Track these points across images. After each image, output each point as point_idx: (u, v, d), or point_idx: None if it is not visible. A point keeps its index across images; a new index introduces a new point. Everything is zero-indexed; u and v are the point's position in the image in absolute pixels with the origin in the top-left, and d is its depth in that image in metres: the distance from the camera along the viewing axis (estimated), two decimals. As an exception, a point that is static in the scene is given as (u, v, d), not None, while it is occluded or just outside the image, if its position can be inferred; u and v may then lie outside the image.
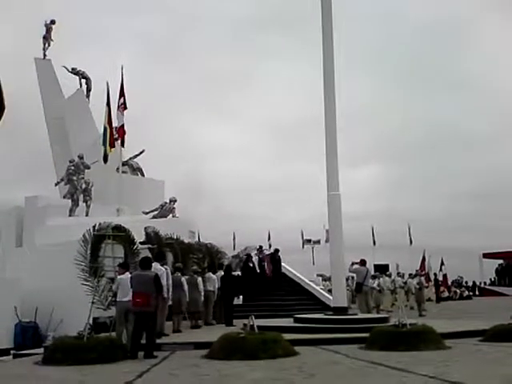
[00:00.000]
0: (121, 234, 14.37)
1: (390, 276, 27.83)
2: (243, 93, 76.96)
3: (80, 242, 13.91)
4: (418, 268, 34.26)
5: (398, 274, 29.46)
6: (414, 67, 76.07)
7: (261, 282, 18.96)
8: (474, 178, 70.19)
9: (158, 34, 72.93)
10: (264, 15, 78.35)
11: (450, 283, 42.58)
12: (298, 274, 22.96)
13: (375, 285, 25.94)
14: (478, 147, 72.83)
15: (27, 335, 15.76)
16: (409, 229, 43.97)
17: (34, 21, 32.58)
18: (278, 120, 76.94)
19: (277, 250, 20.65)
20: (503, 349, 9.71)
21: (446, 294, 38.75)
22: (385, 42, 77.49)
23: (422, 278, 25.26)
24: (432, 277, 36.84)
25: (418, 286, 23.39)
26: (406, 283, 26.80)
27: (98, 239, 14.06)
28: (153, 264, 11.12)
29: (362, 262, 18.57)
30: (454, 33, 74.72)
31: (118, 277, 11.60)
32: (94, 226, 14.19)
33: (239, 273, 21.99)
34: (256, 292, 18.30)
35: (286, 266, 24.14)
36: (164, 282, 12.03)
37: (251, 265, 19.32)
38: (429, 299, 25.19)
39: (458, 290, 42.79)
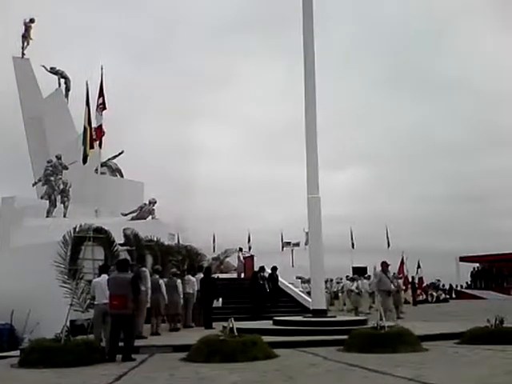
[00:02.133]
0: (101, 236, 14.29)
1: (368, 278, 28.04)
2: (223, 94, 77.07)
3: (60, 244, 13.80)
4: (397, 271, 34.52)
5: (376, 276, 29.67)
6: (395, 73, 76.92)
7: (265, 298, 18.95)
8: (452, 183, 71.14)
9: (139, 34, 72.65)
10: (246, 17, 78.56)
11: (424, 286, 42.99)
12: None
13: (354, 287, 26.17)
14: (455, 152, 73.81)
15: (3, 338, 15.55)
16: (387, 232, 44.51)
17: (13, 19, 32.19)
18: (259, 121, 77.14)
19: (274, 268, 20.39)
20: (479, 351, 9.84)
21: (423, 296, 39.09)
22: (367, 47, 78.09)
23: (400, 281, 25.47)
24: (410, 279, 37.13)
25: (395, 289, 23.58)
26: (384, 286, 26.97)
27: (78, 241, 13.97)
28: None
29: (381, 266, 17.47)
30: (432, 36, 75.59)
31: (93, 280, 11.56)
32: (74, 228, 14.09)
33: (218, 275, 21.99)
34: (263, 307, 18.26)
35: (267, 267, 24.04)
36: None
37: (261, 282, 19.20)
38: (406, 301, 25.39)
39: (434, 293, 43.21)
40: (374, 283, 16.04)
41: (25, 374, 8.72)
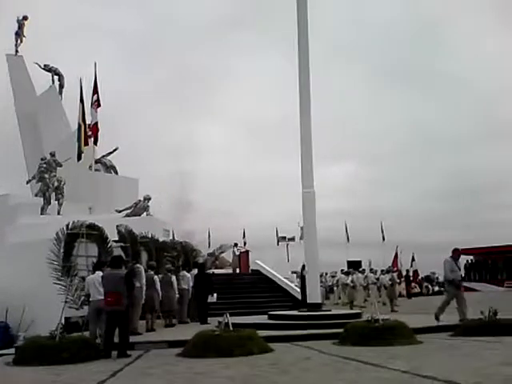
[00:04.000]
0: (94, 233, 14.23)
1: (363, 272, 28.13)
2: (219, 91, 76.75)
3: (53, 241, 13.74)
4: (391, 264, 34.65)
5: (371, 270, 29.76)
6: (392, 68, 76.88)
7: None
8: (446, 177, 71.16)
9: (134, 31, 72.29)
10: (242, 13, 78.27)
11: (419, 279, 43.10)
12: (273, 271, 23.04)
13: (348, 281, 26.24)
14: (450, 147, 73.76)
15: (-3, 336, 15.48)
16: (381, 225, 44.62)
17: (6, 16, 31.99)
18: (254, 118, 77.02)
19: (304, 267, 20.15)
20: (474, 343, 9.89)
21: (418, 289, 39.20)
22: (366, 42, 78.02)
23: (395, 274, 25.51)
24: (404, 273, 37.30)
25: (390, 282, 23.64)
26: (378, 279, 27.08)
27: (71, 238, 13.91)
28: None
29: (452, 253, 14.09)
30: (429, 33, 75.46)
31: (87, 277, 11.57)
32: (67, 225, 14.03)
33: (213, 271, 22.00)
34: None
35: (260, 263, 24.23)
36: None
37: None
38: (400, 295, 25.46)
39: (429, 286, 43.33)
40: (448, 272, 13.71)
41: (20, 371, 8.72)
